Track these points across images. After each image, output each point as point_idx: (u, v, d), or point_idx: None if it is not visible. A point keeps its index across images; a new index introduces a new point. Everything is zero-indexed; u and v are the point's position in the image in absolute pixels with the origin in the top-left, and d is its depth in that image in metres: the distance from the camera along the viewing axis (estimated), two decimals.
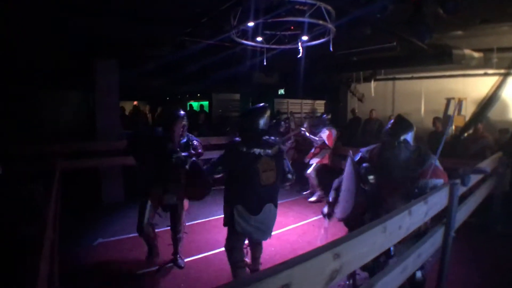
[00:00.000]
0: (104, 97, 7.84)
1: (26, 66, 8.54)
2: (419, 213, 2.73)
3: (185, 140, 4.68)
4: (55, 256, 3.43)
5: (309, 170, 8.01)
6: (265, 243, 5.40)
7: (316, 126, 8.57)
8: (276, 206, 3.99)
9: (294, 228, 6.26)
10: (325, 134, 7.91)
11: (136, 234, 4.78)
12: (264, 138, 3.87)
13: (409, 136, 3.50)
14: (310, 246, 5.38)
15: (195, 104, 15.31)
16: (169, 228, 4.78)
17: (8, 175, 4.84)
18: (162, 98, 15.38)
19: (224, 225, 3.94)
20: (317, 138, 7.95)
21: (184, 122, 4.62)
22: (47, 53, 8.27)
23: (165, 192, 4.47)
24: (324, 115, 8.49)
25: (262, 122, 3.81)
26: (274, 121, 8.84)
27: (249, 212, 3.74)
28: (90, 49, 7.91)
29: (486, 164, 4.96)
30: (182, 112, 4.65)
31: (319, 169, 8.05)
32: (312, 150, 8.21)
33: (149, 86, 13.13)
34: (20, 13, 6.17)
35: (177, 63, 9.66)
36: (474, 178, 3.95)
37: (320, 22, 5.59)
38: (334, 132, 8.13)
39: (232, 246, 3.95)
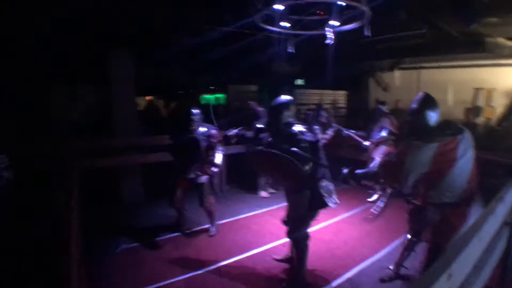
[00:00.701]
0: (120, 89, 7.46)
1: (35, 60, 8.19)
2: (501, 213, 2.38)
3: (205, 130, 5.37)
4: (82, 268, 3.09)
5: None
6: None
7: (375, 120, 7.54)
8: None
9: (327, 226, 5.85)
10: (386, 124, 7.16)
11: (161, 238, 4.84)
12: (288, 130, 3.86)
13: (434, 115, 3.16)
14: (346, 246, 5.04)
15: (211, 98, 14.96)
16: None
17: (22, 180, 4.54)
18: (176, 92, 15.00)
19: (298, 212, 3.87)
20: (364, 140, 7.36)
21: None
22: (59, 45, 7.91)
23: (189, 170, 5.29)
24: (380, 105, 7.69)
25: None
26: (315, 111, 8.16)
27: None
28: (103, 38, 7.52)
29: None
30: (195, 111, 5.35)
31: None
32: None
33: (164, 79, 12.74)
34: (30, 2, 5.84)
35: (193, 53, 9.25)
36: None
37: (355, 4, 5.13)
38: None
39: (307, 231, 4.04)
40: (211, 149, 5.32)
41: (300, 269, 4.07)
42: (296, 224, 4.02)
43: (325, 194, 4.00)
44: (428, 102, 3.21)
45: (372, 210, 6.44)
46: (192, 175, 5.29)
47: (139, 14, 6.92)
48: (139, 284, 4.14)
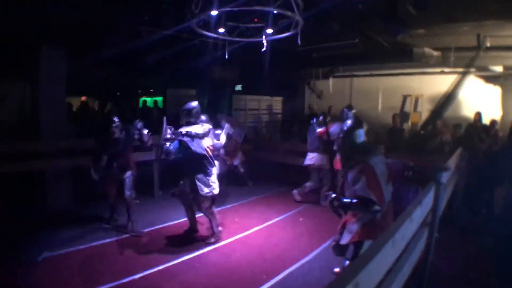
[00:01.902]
0: (50, 89, 7.06)
1: None
2: (417, 217, 2.55)
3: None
4: None
5: None
6: (230, 249, 5.14)
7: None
8: None
9: (259, 231, 5.94)
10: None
11: (89, 245, 4.80)
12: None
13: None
14: (277, 249, 5.14)
15: (149, 100, 14.65)
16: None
17: None
18: (112, 93, 14.52)
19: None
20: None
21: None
22: None
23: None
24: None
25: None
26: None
27: None
28: (34, 34, 7.11)
29: (453, 161, 4.93)
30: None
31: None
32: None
33: (99, 80, 12.25)
34: None
35: (131, 54, 9.01)
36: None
37: (289, 13, 5.29)
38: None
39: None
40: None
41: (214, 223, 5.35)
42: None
43: (200, 184, 5.07)
44: (359, 122, 3.61)
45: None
46: (115, 172, 5.62)
47: (73, 10, 6.64)
48: None
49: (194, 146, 5.00)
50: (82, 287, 4.11)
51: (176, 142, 5.11)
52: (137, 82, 13.49)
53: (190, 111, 5.22)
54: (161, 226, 6.14)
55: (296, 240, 5.52)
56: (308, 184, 7.34)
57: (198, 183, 5.08)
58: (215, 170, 5.32)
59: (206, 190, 5.11)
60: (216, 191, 5.25)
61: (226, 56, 7.48)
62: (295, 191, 7.52)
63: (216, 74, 12.08)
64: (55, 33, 7.01)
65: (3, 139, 7.15)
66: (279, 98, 13.31)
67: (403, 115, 10.70)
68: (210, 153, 5.24)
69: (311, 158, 7.16)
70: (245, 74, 12.95)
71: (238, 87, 14.34)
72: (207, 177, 5.15)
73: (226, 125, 7.06)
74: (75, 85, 9.47)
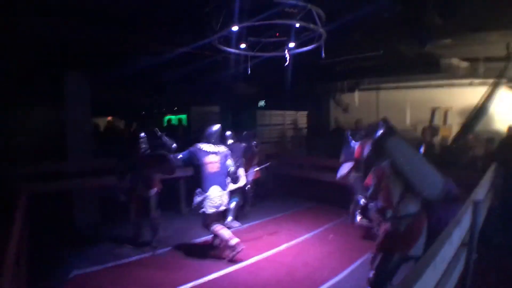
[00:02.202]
0: (75, 112, 7.22)
1: None
2: (456, 238, 2.38)
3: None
4: None
5: None
6: (258, 267, 4.99)
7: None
8: None
9: (288, 248, 5.76)
10: None
11: (116, 263, 4.88)
12: None
13: None
14: (306, 268, 4.97)
15: (173, 118, 14.76)
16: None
17: None
18: (137, 113, 14.75)
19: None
20: None
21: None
22: (10, 65, 7.58)
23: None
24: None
25: None
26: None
27: None
28: (57, 58, 7.29)
29: (488, 177, 4.70)
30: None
31: None
32: None
33: (124, 100, 12.48)
34: None
35: (153, 73, 9.13)
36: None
37: (311, 26, 5.21)
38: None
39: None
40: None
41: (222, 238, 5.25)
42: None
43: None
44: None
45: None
46: (140, 190, 5.62)
47: (93, 35, 6.77)
48: None
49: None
50: None
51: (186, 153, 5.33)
52: (160, 101, 13.66)
53: (207, 135, 5.41)
54: (188, 242, 6.07)
55: (326, 258, 5.32)
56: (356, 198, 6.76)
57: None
58: (211, 190, 5.25)
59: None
60: (208, 210, 5.20)
61: (249, 72, 7.44)
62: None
63: (239, 90, 12.10)
64: (77, 57, 7.18)
65: (30, 160, 7.28)
66: (304, 113, 13.15)
67: (433, 129, 10.37)
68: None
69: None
70: (268, 89, 12.91)
71: (262, 103, 14.30)
72: (195, 196, 5.29)
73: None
74: (101, 106, 9.65)
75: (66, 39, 6.73)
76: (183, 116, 14.20)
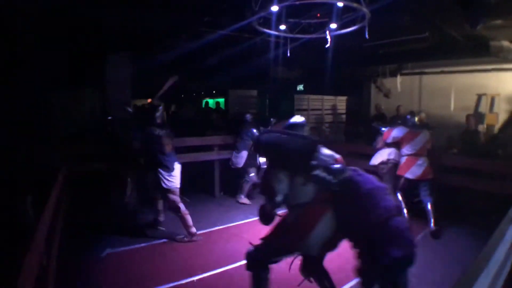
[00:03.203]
0: (116, 92, 7.32)
1: (36, 63, 8.04)
2: (509, 237, 2.16)
3: None
4: (48, 277, 2.88)
5: None
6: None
7: None
8: None
9: None
10: None
11: (149, 243, 4.97)
12: None
13: None
14: (340, 259, 4.80)
15: (211, 101, 14.78)
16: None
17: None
18: (176, 95, 14.89)
19: None
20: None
21: None
22: (58, 47, 7.76)
23: None
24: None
25: None
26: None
27: None
28: (102, 41, 7.40)
29: None
30: None
31: None
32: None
33: (163, 83, 12.61)
34: (29, 5, 5.71)
35: (193, 57, 9.12)
36: None
37: (355, 5, 4.95)
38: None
39: None
40: None
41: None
42: None
43: None
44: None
45: None
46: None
47: (136, 18, 6.79)
48: None
49: None
50: (142, 285, 4.11)
51: None
52: (199, 84, 13.70)
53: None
54: (221, 227, 6.06)
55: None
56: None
57: None
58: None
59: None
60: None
61: (288, 54, 7.26)
62: None
63: (277, 73, 11.92)
64: (118, 39, 7.23)
65: (72, 141, 7.45)
66: (343, 98, 12.78)
67: (478, 116, 9.83)
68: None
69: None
70: (307, 73, 12.67)
71: (300, 87, 14.04)
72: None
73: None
74: (140, 88, 9.77)
75: (109, 22, 6.78)
76: (221, 100, 14.19)
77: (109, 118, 5.85)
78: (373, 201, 2.58)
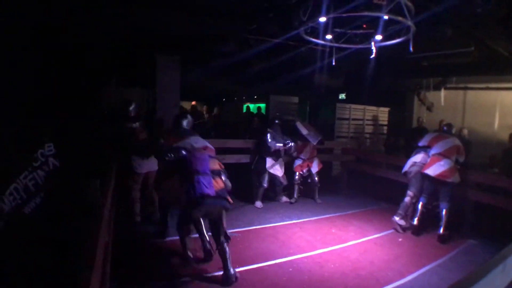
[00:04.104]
0: (165, 93, 7.70)
1: (90, 63, 8.57)
2: None
3: None
4: (108, 253, 3.20)
5: None
6: (324, 259, 5.02)
7: None
8: None
9: (355, 245, 5.70)
10: None
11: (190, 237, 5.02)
12: None
13: None
14: (371, 267, 4.90)
15: (252, 106, 15.03)
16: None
17: (68, 169, 4.77)
18: (218, 99, 15.27)
19: None
20: None
21: None
22: (111, 49, 8.25)
23: None
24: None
25: None
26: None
27: None
28: (152, 44, 7.80)
29: None
30: None
31: None
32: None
33: (208, 87, 13.06)
34: (84, 9, 6.14)
35: (239, 64, 9.38)
36: None
37: (400, 18, 5.05)
38: None
39: None
40: None
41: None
42: None
43: None
44: None
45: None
46: None
47: (186, 23, 7.13)
48: (159, 277, 4.28)
49: None
50: (183, 274, 4.37)
51: None
52: (241, 89, 14.01)
53: None
54: (257, 227, 6.28)
55: (392, 260, 5.16)
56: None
57: None
58: None
59: None
60: None
61: (333, 63, 7.39)
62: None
63: (320, 81, 12.01)
64: (169, 43, 7.61)
65: None
66: (386, 109, 12.70)
67: None
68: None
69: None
70: (350, 82, 12.67)
71: (342, 96, 14.04)
72: None
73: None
74: (186, 91, 10.16)
75: (161, 27, 7.17)
76: (262, 105, 14.42)
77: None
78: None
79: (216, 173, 4.34)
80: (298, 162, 7.96)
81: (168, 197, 5.10)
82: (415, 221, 6.16)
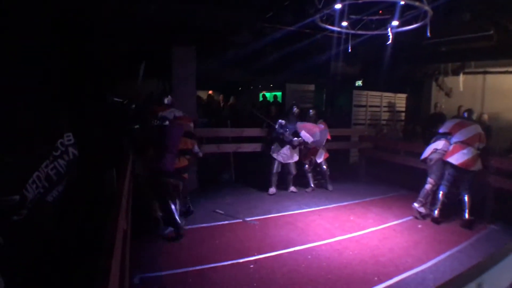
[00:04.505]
0: (181, 84, 7.75)
1: (106, 55, 8.67)
2: None
3: None
4: (127, 242, 3.29)
5: None
6: (343, 246, 5.07)
7: None
8: None
9: (374, 232, 5.70)
10: None
11: (209, 224, 5.57)
12: None
13: None
14: (391, 253, 4.91)
15: (268, 95, 15.04)
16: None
17: (86, 159, 4.89)
18: (235, 88, 15.31)
19: None
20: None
21: None
22: (126, 41, 8.32)
23: None
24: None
25: None
26: None
27: None
28: (168, 35, 7.85)
29: None
30: None
31: None
32: None
33: (225, 77, 13.10)
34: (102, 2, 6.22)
35: (254, 52, 9.38)
36: None
37: (417, 3, 4.99)
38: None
39: None
40: None
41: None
42: None
43: None
44: None
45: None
46: None
47: (202, 13, 7.16)
48: (180, 264, 4.38)
49: None
50: (201, 260, 4.48)
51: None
52: (258, 77, 14.00)
53: None
54: (276, 215, 6.34)
55: (412, 247, 5.16)
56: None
57: None
58: None
59: None
60: None
61: (349, 50, 7.34)
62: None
63: (336, 69, 11.93)
64: (185, 34, 7.65)
65: None
66: (403, 95, 12.54)
67: None
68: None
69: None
70: (366, 69, 12.55)
71: (359, 83, 13.93)
72: None
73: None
74: (202, 81, 10.21)
75: (178, 19, 7.21)
76: (278, 94, 14.40)
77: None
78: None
79: (183, 152, 5.32)
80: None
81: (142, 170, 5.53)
82: (436, 212, 6.09)
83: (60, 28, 6.54)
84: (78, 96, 7.38)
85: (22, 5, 5.36)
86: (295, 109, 7.70)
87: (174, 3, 6.78)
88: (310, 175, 7.99)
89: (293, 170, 7.66)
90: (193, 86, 7.97)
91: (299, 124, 7.43)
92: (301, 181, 8.01)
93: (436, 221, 6.08)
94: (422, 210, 6.26)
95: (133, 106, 6.03)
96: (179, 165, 5.23)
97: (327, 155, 8.07)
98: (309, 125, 7.55)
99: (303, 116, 7.80)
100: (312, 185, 7.97)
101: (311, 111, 7.89)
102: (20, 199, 3.60)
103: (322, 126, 7.67)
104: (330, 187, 8.09)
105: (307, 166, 7.97)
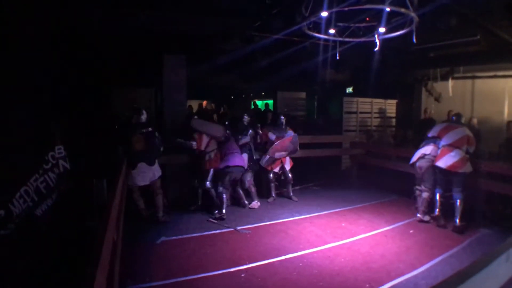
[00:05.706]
0: (172, 92, 7.75)
1: (99, 64, 8.66)
2: None
3: None
4: (117, 252, 3.26)
5: None
6: (334, 253, 5.04)
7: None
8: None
9: (365, 238, 5.70)
10: None
11: (200, 234, 5.56)
12: None
13: None
14: (382, 260, 4.90)
15: (259, 103, 15.09)
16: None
17: (77, 171, 4.88)
18: (227, 97, 15.35)
19: None
20: None
21: None
22: (118, 50, 8.33)
23: None
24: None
25: None
26: None
27: None
28: (159, 44, 7.86)
29: None
30: None
31: None
32: None
33: (215, 85, 13.11)
34: (91, 8, 6.21)
35: (244, 60, 9.42)
36: None
37: (403, 10, 5.04)
38: None
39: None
40: None
41: None
42: None
43: None
44: None
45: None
46: None
47: (191, 22, 7.18)
48: (171, 275, 4.32)
49: None
50: (192, 270, 4.43)
51: None
52: (250, 86, 14.04)
53: None
54: (268, 223, 6.31)
55: (404, 252, 5.15)
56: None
57: None
58: None
59: None
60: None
61: (337, 57, 7.38)
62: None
63: (326, 76, 11.99)
64: (175, 42, 7.66)
65: None
66: (393, 101, 12.64)
67: None
68: None
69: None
70: (356, 76, 12.63)
71: (349, 89, 14.01)
72: None
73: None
74: (194, 90, 10.23)
75: (168, 27, 7.24)
76: (270, 102, 14.45)
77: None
78: None
79: None
80: (266, 158, 7.55)
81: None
82: (437, 212, 6.16)
83: (52, 39, 6.54)
84: (70, 108, 7.40)
85: (17, 18, 5.35)
86: (283, 118, 7.70)
87: (165, 12, 6.79)
88: (273, 185, 7.74)
89: (246, 183, 7.32)
90: (183, 95, 7.97)
91: (273, 148, 7.34)
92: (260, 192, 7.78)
93: (439, 221, 6.14)
94: (427, 218, 6.31)
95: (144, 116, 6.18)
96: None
97: (292, 163, 7.90)
98: (279, 144, 7.36)
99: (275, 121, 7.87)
100: (274, 195, 7.74)
101: (282, 117, 7.77)
102: (5, 213, 3.57)
103: (290, 134, 7.57)
104: (294, 198, 7.80)
105: (271, 175, 7.67)
